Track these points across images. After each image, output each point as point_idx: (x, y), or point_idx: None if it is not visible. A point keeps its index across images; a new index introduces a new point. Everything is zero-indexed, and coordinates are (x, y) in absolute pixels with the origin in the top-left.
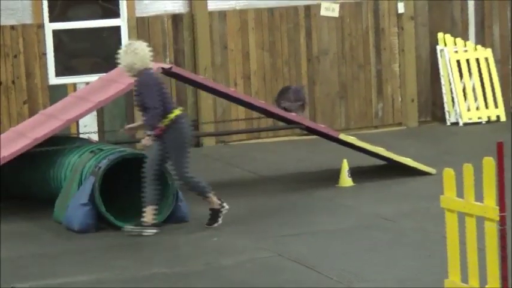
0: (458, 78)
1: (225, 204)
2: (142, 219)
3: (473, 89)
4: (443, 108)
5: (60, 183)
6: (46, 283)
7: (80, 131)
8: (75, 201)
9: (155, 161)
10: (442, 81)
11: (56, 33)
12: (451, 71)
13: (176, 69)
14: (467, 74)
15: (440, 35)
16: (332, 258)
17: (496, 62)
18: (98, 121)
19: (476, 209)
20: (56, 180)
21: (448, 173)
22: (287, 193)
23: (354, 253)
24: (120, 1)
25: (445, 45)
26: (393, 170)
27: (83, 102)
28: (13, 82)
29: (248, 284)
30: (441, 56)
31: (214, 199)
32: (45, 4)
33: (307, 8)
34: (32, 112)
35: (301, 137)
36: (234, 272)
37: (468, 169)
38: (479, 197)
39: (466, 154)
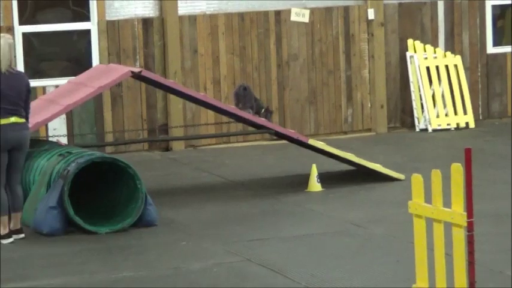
0: (428, 84)
1: (12, 239)
2: None
3: (443, 96)
4: (412, 114)
5: (28, 186)
6: (14, 287)
7: (49, 134)
8: (44, 204)
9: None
10: (412, 88)
11: (25, 36)
12: (421, 78)
13: (146, 73)
14: (437, 80)
15: (410, 41)
16: (300, 264)
17: (465, 69)
18: (67, 124)
19: (444, 215)
20: (25, 183)
21: (417, 179)
22: (256, 198)
23: (322, 259)
24: (90, 4)
25: (415, 51)
26: (362, 175)
27: (52, 105)
28: None
29: None
30: (411, 62)
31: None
32: (15, 7)
33: (278, 13)
34: None
35: (271, 142)
36: (202, 277)
37: (436, 175)
38: (447, 203)
39: (435, 160)
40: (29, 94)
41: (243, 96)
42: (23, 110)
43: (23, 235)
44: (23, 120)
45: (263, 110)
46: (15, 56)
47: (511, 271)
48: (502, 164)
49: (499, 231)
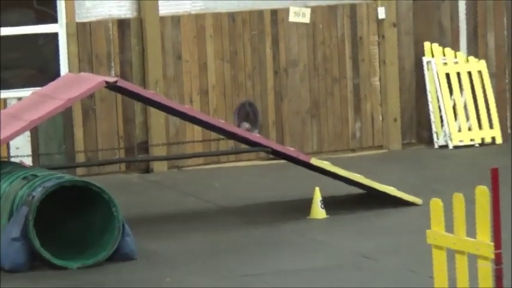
0: (448, 94)
1: None
2: None
3: (465, 107)
4: (430, 128)
5: None
6: None
7: (11, 154)
8: (5, 235)
9: None
10: (429, 98)
11: None
12: (440, 86)
13: (122, 83)
14: (458, 89)
15: (426, 44)
16: None
17: (491, 75)
18: (32, 143)
19: (467, 246)
20: None
21: (436, 204)
22: (250, 226)
23: None
24: (57, 4)
25: (433, 56)
26: (373, 200)
27: (14, 120)
28: None
29: None
30: (428, 68)
31: None
32: None
33: (274, 12)
34: None
35: (267, 161)
36: None
37: (458, 199)
38: (471, 231)
39: (457, 182)
40: None
41: (251, 113)
42: None
43: None
44: None
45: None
46: None
47: None
48: None
49: None
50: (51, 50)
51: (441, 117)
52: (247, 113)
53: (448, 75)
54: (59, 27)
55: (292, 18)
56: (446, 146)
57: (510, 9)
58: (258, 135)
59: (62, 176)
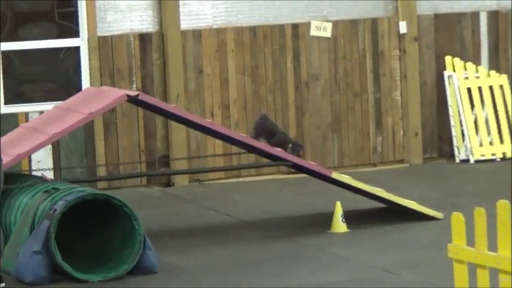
0: (469, 108)
1: (3, 284)
2: None
3: (486, 121)
4: (451, 143)
5: (9, 228)
6: None
7: (33, 167)
8: (27, 248)
9: None
10: (451, 112)
11: (5, 54)
12: (461, 100)
13: (144, 97)
14: (480, 103)
15: (448, 58)
16: None
17: None
18: (53, 156)
19: (489, 260)
20: (5, 224)
21: (457, 218)
22: (271, 240)
23: None
24: (79, 18)
25: (454, 70)
26: (394, 214)
27: (36, 134)
28: None
29: None
30: (449, 83)
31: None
32: None
33: (295, 26)
34: None
35: (288, 175)
36: None
37: (480, 214)
38: (492, 246)
39: (478, 196)
40: None
41: (274, 127)
42: None
43: (3, 284)
44: None
45: (290, 144)
46: None
47: None
48: None
49: None
50: (72, 64)
51: (462, 131)
52: (271, 126)
53: (469, 90)
54: (80, 41)
55: (313, 32)
56: (467, 161)
57: None
58: (279, 149)
59: (84, 190)
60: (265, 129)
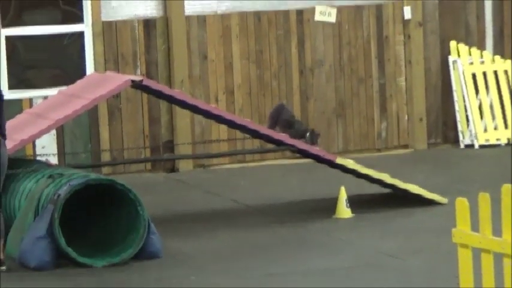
0: (474, 94)
1: (4, 267)
2: None
3: (491, 106)
4: (456, 128)
5: (13, 213)
6: None
7: (37, 152)
8: (31, 234)
9: None
10: (455, 97)
11: (9, 40)
12: (465, 86)
13: (148, 82)
14: (484, 89)
15: (452, 44)
16: None
17: None
18: (58, 142)
19: (493, 244)
20: (9, 209)
21: (462, 203)
22: (276, 226)
23: None
24: (83, 3)
25: (459, 56)
26: (398, 199)
27: (40, 119)
28: None
29: None
30: (454, 68)
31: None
32: None
33: (300, 12)
34: None
35: (293, 160)
36: None
37: (484, 199)
38: (497, 230)
39: (483, 181)
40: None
41: (291, 117)
42: None
43: (4, 268)
44: None
45: (308, 133)
46: None
47: None
48: None
49: None
50: (77, 50)
51: (467, 116)
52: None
53: (474, 75)
54: (84, 27)
55: (318, 17)
56: (472, 146)
57: None
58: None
59: (88, 175)
60: (281, 120)
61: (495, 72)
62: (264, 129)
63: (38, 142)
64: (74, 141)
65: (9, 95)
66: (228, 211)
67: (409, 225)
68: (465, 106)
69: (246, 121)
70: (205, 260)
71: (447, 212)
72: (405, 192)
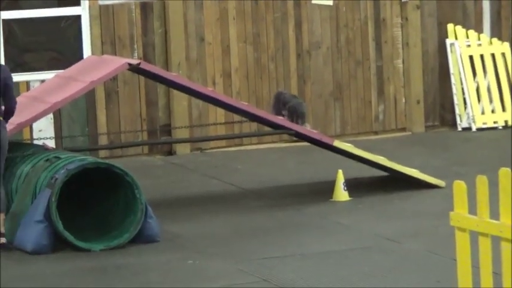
0: (471, 76)
1: (4, 239)
2: None
3: (489, 89)
4: (453, 111)
5: (11, 196)
6: None
7: (34, 136)
8: (28, 217)
9: None
10: (453, 80)
11: (6, 23)
12: (463, 68)
13: (145, 65)
14: (482, 71)
15: (450, 26)
16: (324, 285)
17: None
18: (55, 125)
19: (491, 228)
20: (6, 193)
21: (459, 186)
22: (273, 209)
23: (350, 279)
24: None
25: (456, 38)
26: (396, 182)
27: (37, 103)
28: None
29: None
30: (451, 51)
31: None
32: None
33: None
34: None
35: (290, 144)
36: None
37: (482, 182)
38: (494, 213)
39: (480, 164)
40: (8, 88)
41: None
42: None
43: (3, 239)
44: None
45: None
46: None
47: None
48: None
49: None
50: (74, 33)
51: (464, 99)
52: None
53: (471, 58)
54: (81, 10)
55: (315, 0)
56: (469, 129)
57: None
58: (281, 117)
59: (85, 158)
60: (280, 104)
61: (492, 55)
62: (261, 112)
63: (35, 126)
64: (71, 125)
65: None
66: (226, 194)
67: (406, 208)
68: (462, 89)
69: (243, 104)
70: (203, 243)
71: (445, 195)
72: (403, 175)
